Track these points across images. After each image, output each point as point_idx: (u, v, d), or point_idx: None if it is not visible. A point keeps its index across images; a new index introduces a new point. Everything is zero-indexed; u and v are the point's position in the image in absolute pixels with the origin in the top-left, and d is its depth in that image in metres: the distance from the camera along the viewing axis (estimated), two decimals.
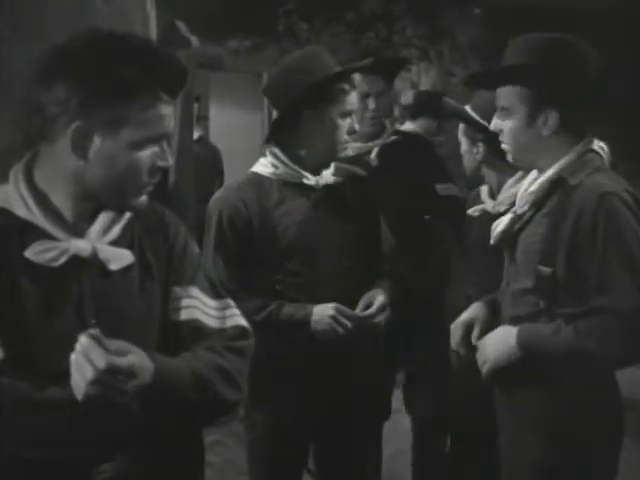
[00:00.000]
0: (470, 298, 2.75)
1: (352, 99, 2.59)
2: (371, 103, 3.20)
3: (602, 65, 2.17)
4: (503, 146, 2.27)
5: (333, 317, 2.48)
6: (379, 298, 2.57)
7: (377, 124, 3.26)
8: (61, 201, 1.55)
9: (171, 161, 1.58)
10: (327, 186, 2.61)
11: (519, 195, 2.29)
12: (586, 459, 2.18)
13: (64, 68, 1.47)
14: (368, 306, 2.57)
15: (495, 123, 2.26)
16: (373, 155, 3.24)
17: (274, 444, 2.61)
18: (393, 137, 3.31)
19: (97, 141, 1.49)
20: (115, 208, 1.59)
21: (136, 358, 1.42)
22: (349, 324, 2.50)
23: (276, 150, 2.61)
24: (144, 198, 1.59)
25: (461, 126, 2.80)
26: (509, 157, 2.29)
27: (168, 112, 1.54)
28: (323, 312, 2.49)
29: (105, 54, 1.47)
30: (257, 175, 2.60)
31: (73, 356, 1.39)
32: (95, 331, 1.39)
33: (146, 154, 1.53)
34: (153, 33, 1.97)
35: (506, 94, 2.21)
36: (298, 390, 2.54)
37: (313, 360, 2.51)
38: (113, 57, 1.46)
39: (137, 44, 1.51)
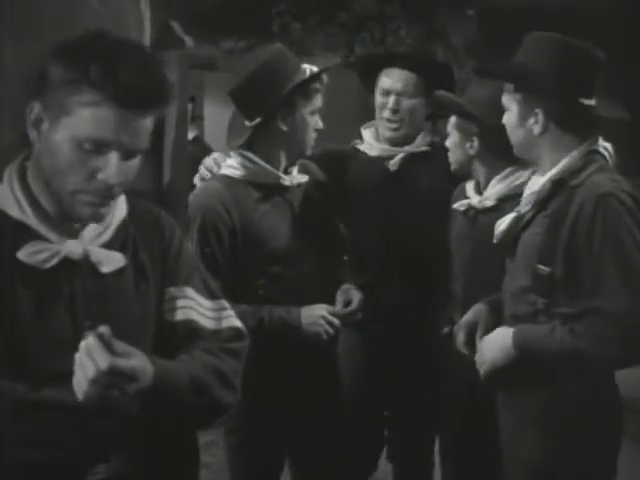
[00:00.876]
0: (453, 294, 2.75)
1: (320, 97, 2.57)
2: (391, 101, 2.93)
3: (607, 67, 2.19)
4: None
5: (324, 317, 2.49)
6: (357, 294, 2.60)
7: (398, 128, 2.96)
8: (47, 201, 1.55)
9: (113, 180, 1.48)
10: (299, 185, 2.61)
11: (524, 194, 2.30)
12: (585, 459, 2.18)
13: (54, 51, 1.47)
14: (346, 302, 2.59)
15: (504, 116, 2.30)
16: (395, 160, 2.97)
17: (255, 448, 2.60)
18: (424, 147, 3.01)
19: (46, 125, 1.48)
20: (64, 208, 1.54)
21: (138, 361, 1.42)
22: (337, 322, 2.52)
23: (246, 151, 2.56)
24: (90, 211, 1.52)
25: (453, 119, 2.73)
26: (514, 150, 2.32)
27: (131, 124, 1.46)
28: (314, 313, 2.49)
29: (83, 44, 1.45)
30: (229, 178, 2.54)
31: (77, 355, 1.39)
32: (105, 329, 1.38)
33: (90, 158, 1.47)
34: (148, 34, 1.96)
35: (507, 90, 2.25)
36: (280, 394, 2.53)
37: (296, 363, 2.51)
38: (84, 48, 1.45)
39: (117, 44, 1.47)
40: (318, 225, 2.62)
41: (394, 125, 2.96)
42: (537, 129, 2.19)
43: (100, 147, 1.47)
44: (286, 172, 2.60)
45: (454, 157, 2.75)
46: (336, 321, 2.51)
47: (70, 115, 1.45)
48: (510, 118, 2.25)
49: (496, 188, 2.65)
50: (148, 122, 1.50)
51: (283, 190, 2.57)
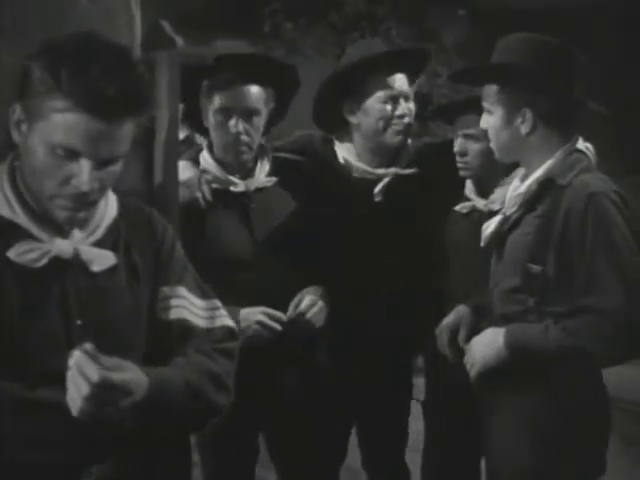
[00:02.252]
0: (460, 298, 2.73)
1: (230, 94, 2.44)
2: (402, 106, 2.63)
3: (586, 68, 2.20)
4: (490, 144, 2.28)
5: (260, 322, 2.42)
6: (307, 297, 2.50)
7: (404, 136, 2.69)
8: (34, 200, 1.54)
9: (85, 187, 1.45)
10: (259, 189, 2.52)
11: (508, 196, 2.30)
12: (575, 458, 2.19)
13: (34, 53, 1.46)
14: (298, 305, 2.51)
15: (482, 120, 2.28)
16: (378, 189, 2.68)
17: (224, 446, 2.58)
18: (409, 170, 2.70)
19: (25, 127, 1.48)
20: (45, 209, 1.53)
21: (131, 374, 1.42)
22: (278, 327, 2.44)
23: (204, 151, 2.52)
24: (66, 215, 1.51)
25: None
26: (495, 154, 2.30)
27: (104, 132, 1.43)
28: (250, 317, 2.42)
29: (58, 48, 1.44)
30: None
31: (68, 373, 1.39)
32: (89, 346, 1.38)
33: (64, 163, 1.45)
34: (138, 34, 1.96)
35: (487, 93, 2.24)
36: (244, 392, 2.52)
37: (252, 359, 2.47)
38: (58, 52, 1.43)
39: (91, 49, 1.44)
40: (276, 229, 2.53)
41: (404, 128, 2.68)
42: (525, 129, 2.19)
43: (71, 154, 1.45)
44: (249, 174, 2.52)
45: (476, 162, 2.67)
46: (276, 326, 2.44)
47: (45, 120, 1.44)
48: (492, 121, 2.22)
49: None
50: (126, 129, 1.47)
51: (239, 194, 2.51)
